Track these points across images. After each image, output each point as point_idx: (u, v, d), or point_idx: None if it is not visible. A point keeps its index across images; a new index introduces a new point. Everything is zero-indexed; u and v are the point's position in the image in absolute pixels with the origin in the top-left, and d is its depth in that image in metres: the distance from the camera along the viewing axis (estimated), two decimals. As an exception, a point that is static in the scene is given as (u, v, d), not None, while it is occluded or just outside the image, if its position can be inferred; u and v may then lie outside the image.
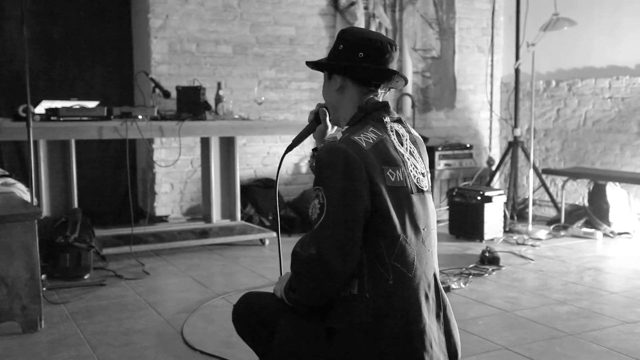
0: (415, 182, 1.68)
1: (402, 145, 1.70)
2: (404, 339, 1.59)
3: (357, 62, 1.70)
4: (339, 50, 1.72)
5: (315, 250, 1.54)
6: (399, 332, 1.58)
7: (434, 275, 1.72)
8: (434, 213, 1.74)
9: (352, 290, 1.60)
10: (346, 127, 1.75)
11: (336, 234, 1.55)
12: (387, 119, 1.71)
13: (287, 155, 1.96)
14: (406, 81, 1.79)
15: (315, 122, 1.89)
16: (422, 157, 1.76)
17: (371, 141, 1.63)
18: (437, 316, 1.70)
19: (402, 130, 1.73)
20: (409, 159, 1.69)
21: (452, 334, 1.74)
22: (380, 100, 1.75)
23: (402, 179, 1.63)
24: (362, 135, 1.63)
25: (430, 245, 1.71)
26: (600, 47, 5.80)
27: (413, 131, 1.79)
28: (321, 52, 5.77)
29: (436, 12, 6.36)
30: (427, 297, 1.66)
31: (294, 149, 1.92)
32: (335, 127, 1.89)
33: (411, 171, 1.68)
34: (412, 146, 1.73)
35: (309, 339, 1.64)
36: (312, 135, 1.90)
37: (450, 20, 6.43)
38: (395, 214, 1.60)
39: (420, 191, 1.69)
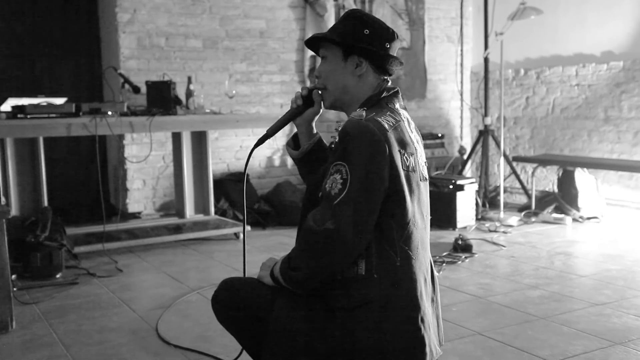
0: (421, 170, 1.72)
1: (412, 132, 1.73)
2: (408, 320, 1.61)
3: (386, 51, 1.72)
4: (365, 35, 1.69)
5: (333, 225, 1.54)
6: (405, 313, 1.61)
7: (430, 261, 1.77)
8: (429, 201, 1.78)
9: (359, 270, 1.61)
10: (364, 108, 1.70)
11: (356, 211, 1.55)
12: (397, 105, 1.74)
13: (259, 147, 1.89)
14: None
15: (305, 106, 1.81)
16: (422, 147, 1.80)
17: (391, 124, 1.64)
18: (432, 300, 1.74)
19: (409, 118, 1.77)
20: (417, 147, 1.72)
21: (440, 319, 1.79)
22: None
23: (414, 164, 1.66)
24: (382, 117, 1.64)
25: (428, 232, 1.76)
26: (566, 35, 5.89)
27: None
28: (292, 45, 5.76)
29: (405, 2, 6.39)
30: (425, 280, 1.70)
31: (269, 138, 1.85)
32: (321, 110, 1.84)
33: (419, 159, 1.71)
34: (417, 135, 1.77)
35: (310, 321, 1.63)
36: (293, 121, 1.83)
37: (419, 10, 6.47)
38: (406, 197, 1.62)
39: (425, 179, 1.73)
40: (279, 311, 1.66)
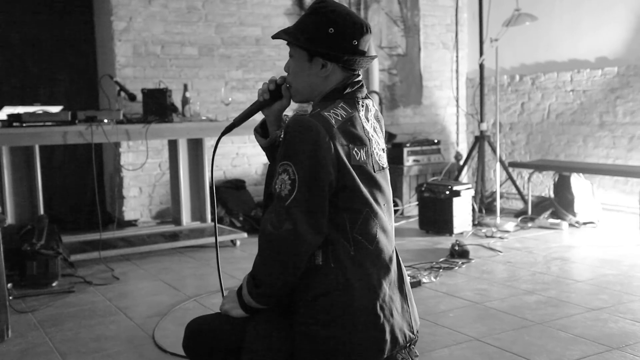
0: (378, 159, 1.71)
1: (368, 121, 1.72)
2: (365, 307, 1.62)
3: (352, 51, 1.67)
4: (329, 34, 1.65)
5: (291, 225, 1.56)
6: (361, 300, 1.62)
7: (395, 249, 1.76)
8: (391, 189, 1.78)
9: (316, 261, 1.63)
10: (310, 103, 1.72)
11: (309, 210, 1.57)
12: (359, 96, 1.72)
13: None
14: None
15: (272, 100, 1.78)
16: (382, 133, 1.80)
17: (340, 118, 1.64)
18: (400, 288, 1.73)
19: (370, 105, 1.75)
20: (372, 137, 1.71)
21: (413, 304, 1.78)
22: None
23: (365, 158, 1.66)
24: (331, 111, 1.64)
25: (391, 219, 1.76)
26: (561, 42, 5.92)
27: (376, 106, 1.81)
28: (287, 52, 5.76)
29: (401, 9, 6.41)
30: (388, 268, 1.70)
31: (235, 128, 1.83)
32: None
33: (375, 149, 1.70)
34: (375, 122, 1.76)
35: (277, 322, 1.65)
36: (261, 111, 1.81)
37: (414, 17, 6.49)
38: (360, 190, 1.63)
39: (382, 168, 1.72)
40: (251, 330, 1.66)
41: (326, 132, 1.58)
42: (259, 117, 1.89)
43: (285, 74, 1.79)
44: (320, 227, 1.59)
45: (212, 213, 5.05)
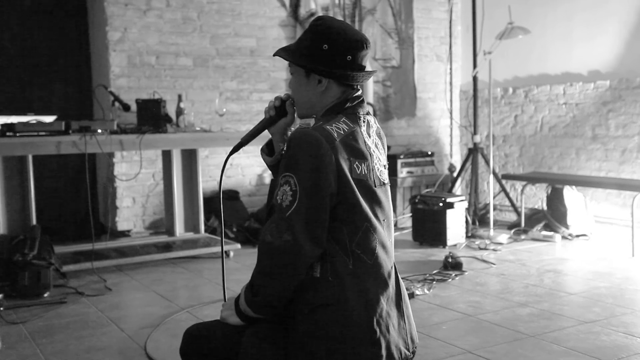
0: (379, 175, 1.73)
1: (369, 137, 1.74)
2: (362, 321, 1.62)
3: (347, 66, 1.70)
4: (324, 51, 1.68)
5: (290, 236, 1.57)
6: (358, 315, 1.62)
7: (394, 265, 1.77)
8: (391, 206, 1.80)
9: (314, 273, 1.63)
10: (314, 117, 1.74)
11: (308, 222, 1.58)
12: (360, 112, 1.74)
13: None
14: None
15: (278, 116, 1.82)
16: (384, 150, 1.82)
17: (342, 132, 1.66)
18: (397, 304, 1.74)
19: (372, 122, 1.78)
20: (374, 152, 1.73)
21: (411, 322, 1.79)
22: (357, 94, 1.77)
23: (366, 172, 1.68)
24: (334, 125, 1.66)
25: (390, 235, 1.77)
26: (554, 55, 5.96)
27: (377, 124, 1.83)
28: (282, 63, 5.79)
29: (395, 22, 6.45)
30: (386, 284, 1.70)
31: (243, 147, 1.86)
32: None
33: (376, 164, 1.72)
34: (377, 139, 1.78)
35: (273, 332, 1.65)
36: (268, 130, 1.84)
37: (409, 29, 6.53)
38: (360, 204, 1.64)
39: (382, 184, 1.74)
40: (248, 336, 1.66)
41: (328, 145, 1.60)
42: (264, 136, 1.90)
43: (290, 91, 1.82)
44: (319, 239, 1.60)
45: (206, 224, 5.05)
